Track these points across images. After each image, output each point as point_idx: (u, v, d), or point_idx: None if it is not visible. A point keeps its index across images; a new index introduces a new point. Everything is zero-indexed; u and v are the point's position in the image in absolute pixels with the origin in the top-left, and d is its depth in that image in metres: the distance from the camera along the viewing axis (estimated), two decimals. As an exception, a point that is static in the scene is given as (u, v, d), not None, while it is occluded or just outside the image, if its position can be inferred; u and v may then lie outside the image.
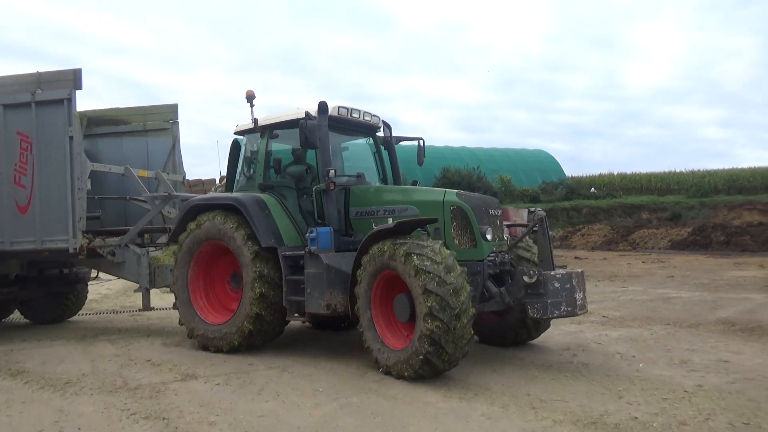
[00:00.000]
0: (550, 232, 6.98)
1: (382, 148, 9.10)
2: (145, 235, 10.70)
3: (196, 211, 8.45)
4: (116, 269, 10.16)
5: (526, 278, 6.43)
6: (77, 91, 9.61)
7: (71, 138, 9.39)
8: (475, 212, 7.07)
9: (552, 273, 6.44)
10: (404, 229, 6.74)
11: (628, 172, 45.08)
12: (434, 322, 5.96)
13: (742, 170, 40.36)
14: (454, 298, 6.01)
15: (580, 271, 6.74)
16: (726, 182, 37.99)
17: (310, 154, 8.45)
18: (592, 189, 42.38)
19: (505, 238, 7.43)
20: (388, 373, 6.48)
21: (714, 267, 19.51)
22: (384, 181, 9.02)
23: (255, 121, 8.48)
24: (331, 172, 7.54)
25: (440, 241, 6.59)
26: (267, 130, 8.45)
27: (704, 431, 4.74)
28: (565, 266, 7.40)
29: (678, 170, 42.53)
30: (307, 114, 7.51)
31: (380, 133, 9.09)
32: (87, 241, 9.52)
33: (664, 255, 25.30)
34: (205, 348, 8.13)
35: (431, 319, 5.98)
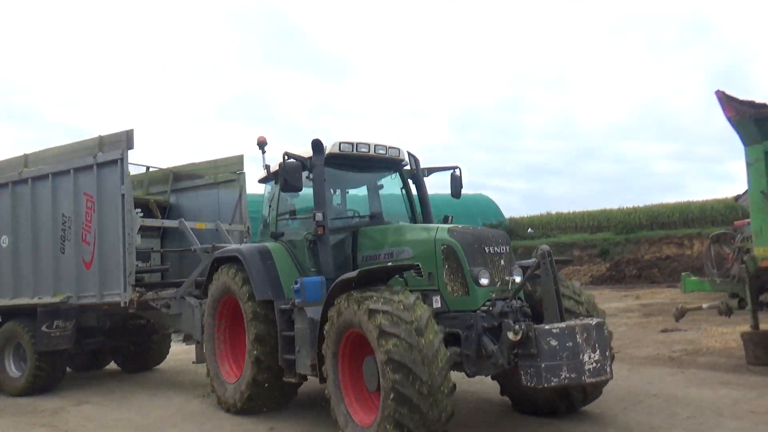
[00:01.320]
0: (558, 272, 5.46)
1: (410, 182, 8.06)
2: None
3: (218, 263, 7.99)
4: (173, 321, 10.08)
5: (510, 334, 5.03)
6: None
7: (123, 195, 9.52)
8: (466, 251, 5.82)
9: (546, 327, 4.99)
10: (379, 277, 5.66)
11: (565, 211, 45.85)
12: (401, 404, 4.84)
13: (664, 206, 40.90)
14: (425, 370, 4.83)
15: (593, 323, 5.16)
16: (648, 218, 38.92)
17: (334, 200, 7.75)
18: (529, 230, 43.15)
19: (514, 280, 5.95)
20: None
21: (601, 300, 20.15)
22: (413, 219, 7.95)
23: (267, 167, 7.89)
24: (318, 215, 6.70)
25: (416, 294, 5.43)
26: (278, 177, 7.80)
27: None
28: (592, 316, 5.79)
29: (608, 208, 43.82)
30: (286, 154, 6.75)
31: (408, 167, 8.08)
32: (138, 294, 9.49)
33: (576, 290, 27.34)
34: (223, 408, 7.58)
35: (397, 398, 4.85)
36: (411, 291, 5.51)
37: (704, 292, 10.34)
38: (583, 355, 4.94)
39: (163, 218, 11.43)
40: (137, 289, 9.58)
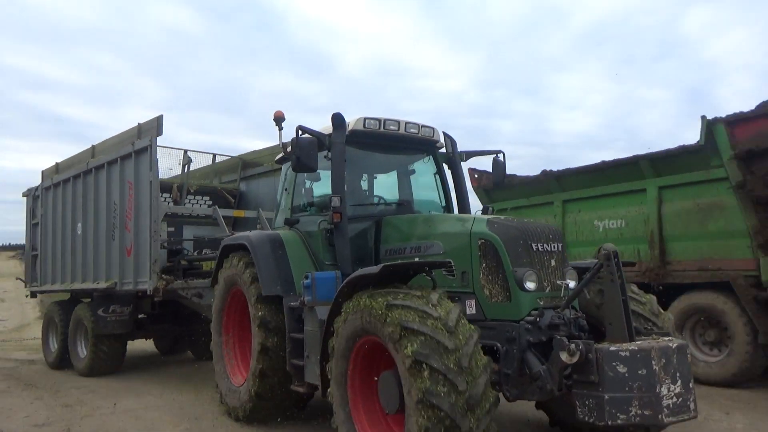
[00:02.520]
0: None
1: (445, 167, 6.48)
2: None
3: (227, 251, 6.58)
4: (208, 311, 8.86)
5: (564, 355, 3.41)
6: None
7: (150, 182, 8.47)
8: (509, 247, 4.22)
9: (612, 348, 3.34)
10: (402, 275, 4.16)
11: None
12: (430, 416, 3.30)
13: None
14: (462, 377, 3.34)
15: (674, 345, 3.46)
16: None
17: (354, 183, 6.25)
18: None
19: (566, 284, 4.30)
20: None
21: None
22: (447, 208, 6.37)
23: (284, 146, 6.41)
24: (335, 200, 5.22)
25: (442, 290, 3.90)
26: (291, 155, 6.31)
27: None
28: (668, 334, 4.06)
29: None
30: (300, 129, 5.29)
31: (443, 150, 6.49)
32: (164, 282, 8.35)
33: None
34: (228, 413, 6.19)
35: (425, 410, 3.33)
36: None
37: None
38: (661, 387, 3.27)
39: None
40: (164, 277, 8.47)
